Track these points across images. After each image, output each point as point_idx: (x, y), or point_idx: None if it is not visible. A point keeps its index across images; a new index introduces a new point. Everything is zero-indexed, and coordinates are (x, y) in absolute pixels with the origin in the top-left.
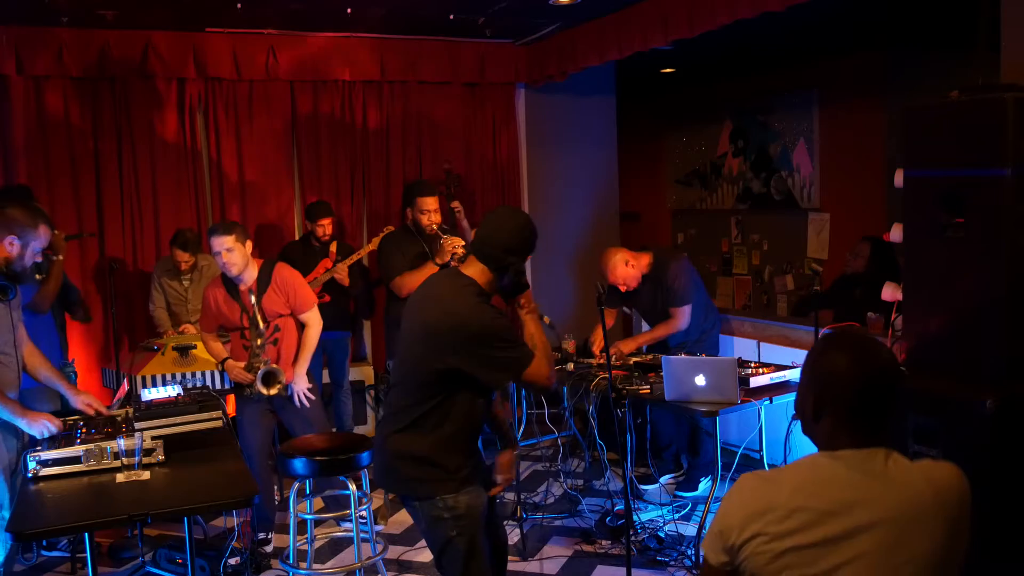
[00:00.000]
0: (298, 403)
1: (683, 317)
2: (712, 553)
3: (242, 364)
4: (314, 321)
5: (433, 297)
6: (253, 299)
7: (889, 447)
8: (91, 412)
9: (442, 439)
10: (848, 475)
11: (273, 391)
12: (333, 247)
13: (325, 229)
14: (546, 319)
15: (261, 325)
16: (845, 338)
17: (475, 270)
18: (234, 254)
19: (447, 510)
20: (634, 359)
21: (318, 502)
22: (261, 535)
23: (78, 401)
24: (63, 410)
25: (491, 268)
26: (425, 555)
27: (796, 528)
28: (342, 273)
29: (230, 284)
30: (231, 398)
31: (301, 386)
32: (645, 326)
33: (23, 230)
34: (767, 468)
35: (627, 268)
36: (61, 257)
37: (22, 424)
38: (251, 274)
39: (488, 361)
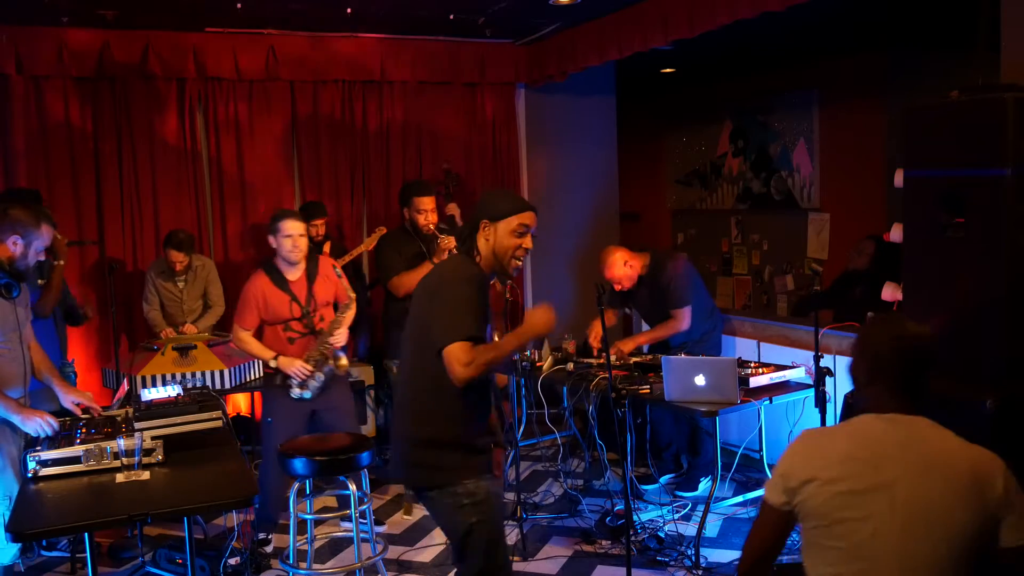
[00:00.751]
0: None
1: (683, 319)
2: (774, 494)
3: (298, 358)
4: (353, 307)
5: (435, 274)
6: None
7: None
8: (79, 412)
9: (458, 425)
10: (895, 433)
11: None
12: (326, 247)
13: (318, 229)
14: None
15: (315, 316)
16: (892, 320)
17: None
18: (304, 240)
19: (467, 495)
20: (634, 359)
21: (330, 500)
22: (261, 535)
23: (67, 400)
24: (63, 410)
25: (458, 241)
26: (425, 555)
27: (846, 475)
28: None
29: (276, 275)
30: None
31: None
32: (645, 327)
33: (26, 229)
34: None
35: (624, 268)
36: (62, 262)
37: (16, 421)
38: (302, 264)
39: (450, 303)
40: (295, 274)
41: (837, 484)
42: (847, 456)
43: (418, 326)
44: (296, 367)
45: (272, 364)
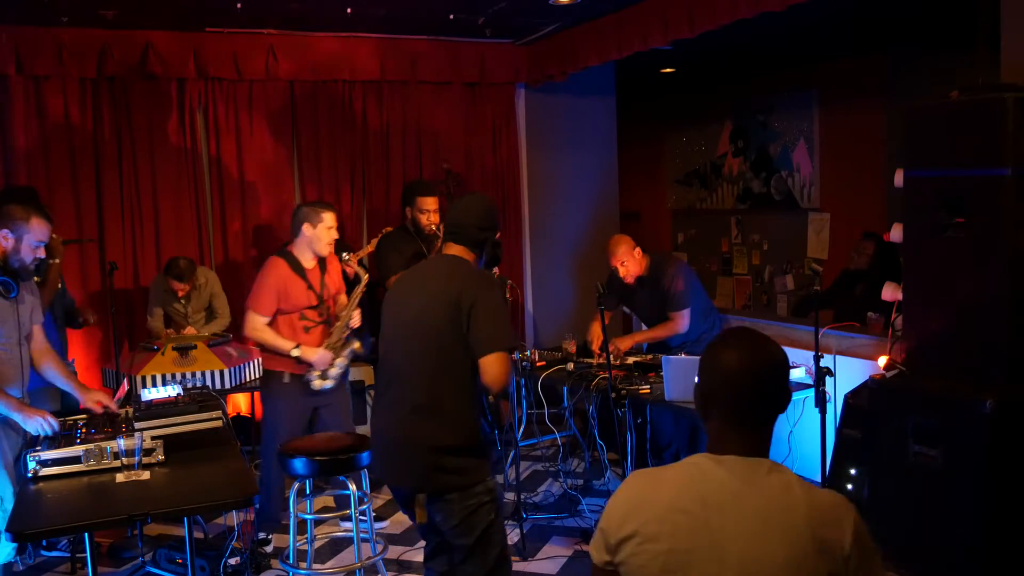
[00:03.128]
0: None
1: (682, 321)
2: (595, 551)
3: (319, 347)
4: (364, 281)
5: (433, 277)
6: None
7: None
8: (100, 410)
9: (477, 426)
10: (731, 481)
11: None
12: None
13: None
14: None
15: (329, 305)
16: (736, 338)
17: (456, 251)
18: (335, 231)
19: (487, 493)
20: (634, 359)
21: (330, 500)
22: (262, 534)
23: (90, 400)
24: (63, 410)
25: (469, 246)
26: None
27: (671, 531)
28: (352, 267)
29: (295, 262)
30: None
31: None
32: (645, 328)
33: (15, 224)
34: None
35: (632, 254)
36: (57, 260)
37: (18, 419)
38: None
39: (494, 313)
40: (311, 263)
41: (660, 542)
42: (673, 508)
43: (435, 328)
44: (320, 355)
45: (294, 353)
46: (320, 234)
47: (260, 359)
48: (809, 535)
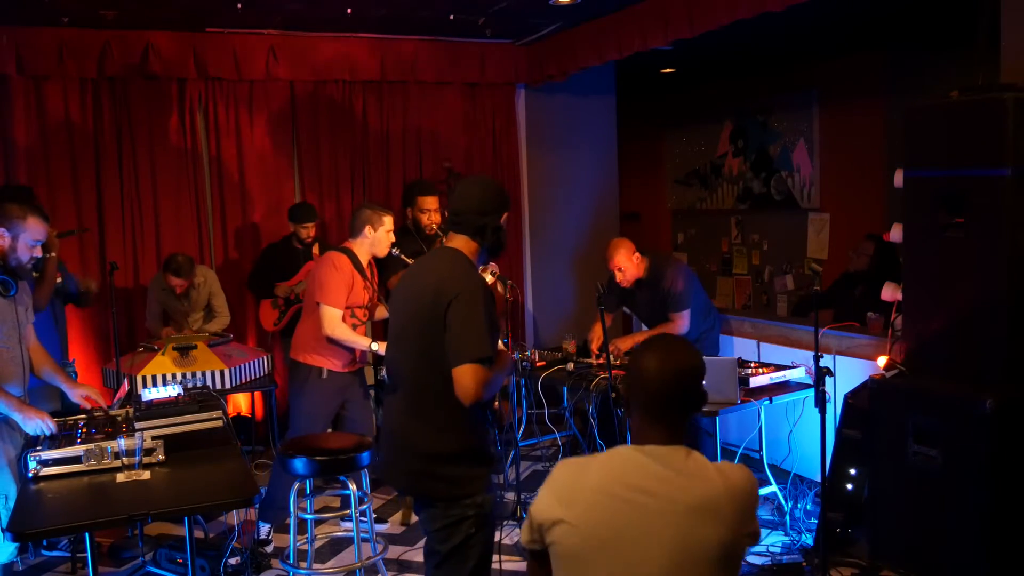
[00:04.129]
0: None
1: (683, 321)
2: (526, 536)
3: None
4: None
5: (422, 274)
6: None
7: (688, 446)
8: (90, 405)
9: (474, 435)
10: (652, 467)
11: None
12: (315, 249)
13: (309, 231)
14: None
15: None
16: (657, 344)
17: (457, 243)
18: (393, 234)
19: (474, 507)
20: None
21: (329, 500)
22: (265, 527)
23: (76, 394)
24: (63, 410)
25: (470, 234)
26: None
27: (600, 514)
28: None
29: (356, 261)
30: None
31: None
32: (645, 329)
33: (11, 222)
34: (767, 469)
35: (630, 258)
36: (54, 254)
37: (18, 419)
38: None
39: (465, 321)
40: (366, 263)
41: (588, 525)
42: (600, 492)
43: (424, 330)
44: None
45: (374, 348)
46: (381, 237)
47: (265, 358)
48: (730, 510)
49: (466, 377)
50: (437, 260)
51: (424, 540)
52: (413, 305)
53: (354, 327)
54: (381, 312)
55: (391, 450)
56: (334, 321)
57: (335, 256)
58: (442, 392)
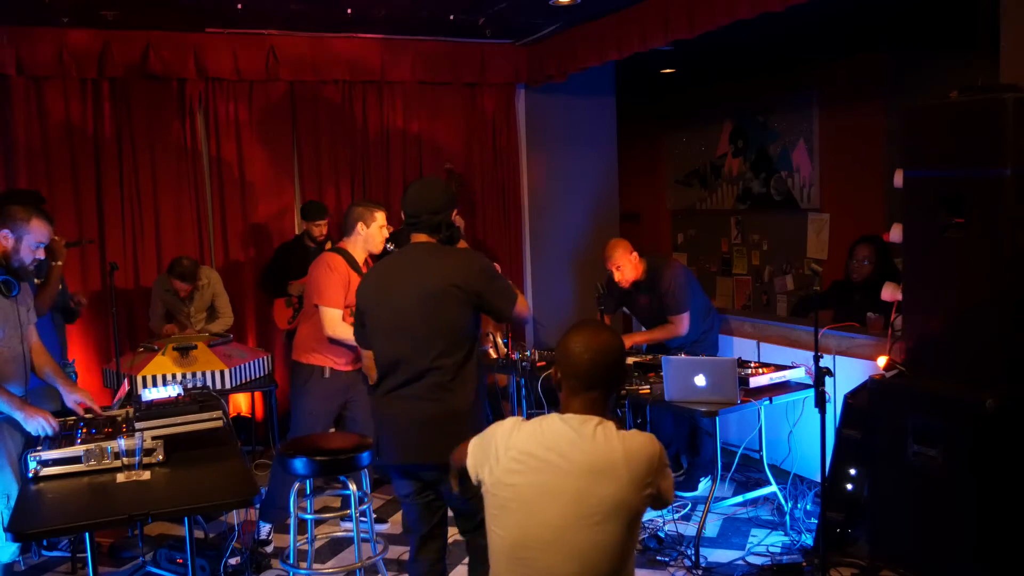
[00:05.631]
0: None
1: (682, 324)
2: (469, 461)
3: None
4: None
5: (418, 266)
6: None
7: (608, 417)
8: (81, 411)
9: (476, 393)
10: (566, 432)
11: None
12: (328, 246)
13: (321, 230)
14: None
15: None
16: (582, 327)
17: (422, 239)
18: (387, 230)
19: None
20: (634, 359)
21: (330, 500)
22: (266, 527)
23: (70, 400)
24: (63, 410)
25: (429, 233)
26: None
27: (521, 468)
28: None
29: (351, 260)
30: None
31: None
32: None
33: (15, 224)
34: (767, 469)
35: (628, 258)
36: (60, 263)
37: (19, 418)
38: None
39: (501, 291)
40: (361, 260)
41: (513, 476)
42: (523, 451)
43: (446, 316)
44: None
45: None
46: (374, 232)
47: (265, 358)
48: (626, 472)
49: (520, 304)
50: (427, 254)
51: None
52: (429, 291)
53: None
54: None
55: (414, 430)
56: (335, 321)
57: (329, 257)
58: (461, 364)
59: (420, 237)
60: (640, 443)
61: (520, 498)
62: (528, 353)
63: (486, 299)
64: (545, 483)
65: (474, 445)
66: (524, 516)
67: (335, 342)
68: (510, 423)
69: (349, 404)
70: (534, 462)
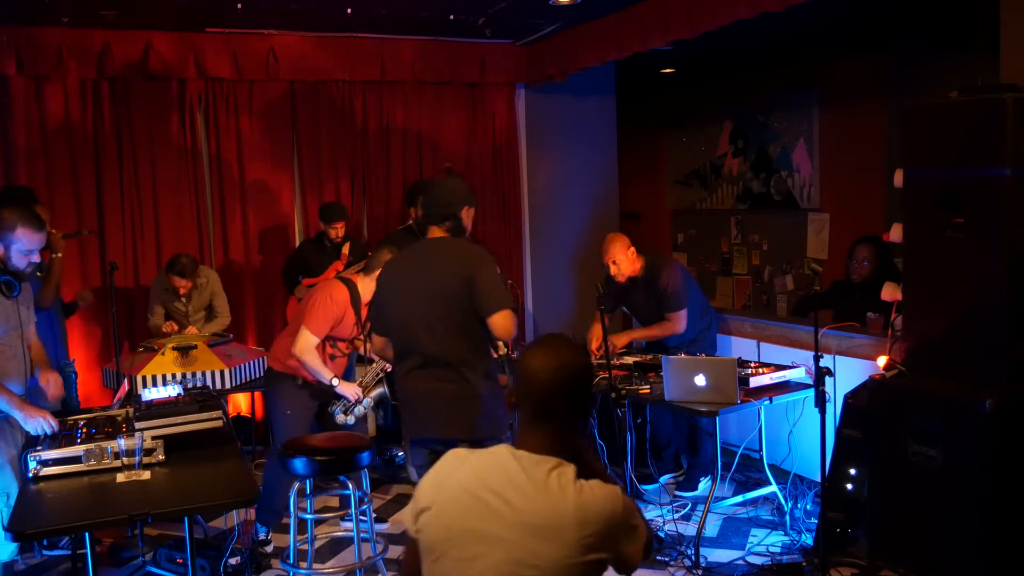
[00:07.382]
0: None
1: (679, 321)
2: (408, 519)
3: (355, 382)
4: None
5: (433, 259)
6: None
7: (568, 456)
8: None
9: (489, 380)
10: (515, 474)
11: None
12: (346, 248)
13: (338, 231)
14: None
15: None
16: (544, 343)
17: (438, 233)
18: None
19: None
20: (634, 359)
21: (330, 500)
22: (263, 532)
23: (24, 416)
24: (63, 410)
25: (443, 226)
26: None
27: (457, 509)
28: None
29: (355, 297)
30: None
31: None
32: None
33: (1, 233)
34: (767, 469)
35: (625, 252)
36: (60, 255)
37: (19, 417)
38: None
39: (490, 281)
40: (367, 297)
41: (445, 517)
42: (463, 488)
43: (453, 297)
44: (354, 390)
45: (334, 383)
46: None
47: (263, 358)
48: (574, 533)
49: (506, 319)
50: (448, 245)
51: None
52: (443, 280)
53: (332, 357)
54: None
55: (439, 405)
56: (308, 346)
57: (335, 287)
58: (476, 353)
59: (436, 231)
60: (599, 499)
61: (452, 543)
62: None
63: (479, 285)
64: (482, 531)
65: (424, 480)
66: (455, 565)
67: (299, 361)
68: (453, 456)
69: (328, 406)
70: (474, 504)
